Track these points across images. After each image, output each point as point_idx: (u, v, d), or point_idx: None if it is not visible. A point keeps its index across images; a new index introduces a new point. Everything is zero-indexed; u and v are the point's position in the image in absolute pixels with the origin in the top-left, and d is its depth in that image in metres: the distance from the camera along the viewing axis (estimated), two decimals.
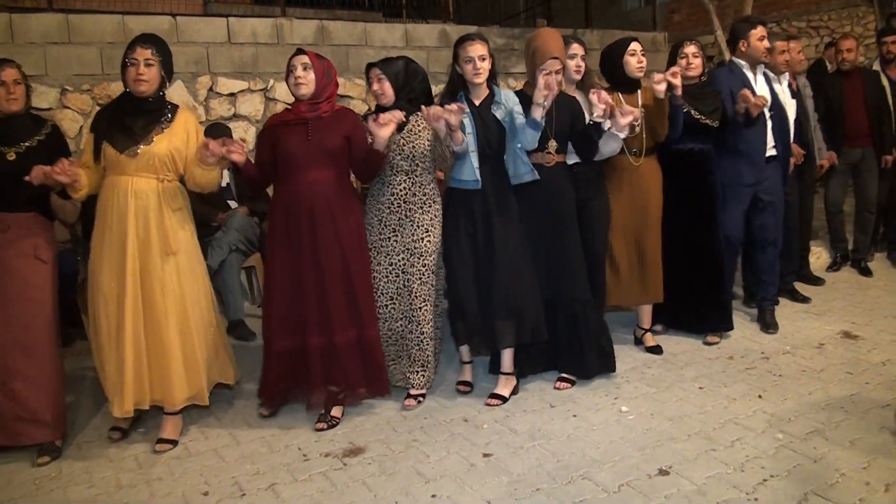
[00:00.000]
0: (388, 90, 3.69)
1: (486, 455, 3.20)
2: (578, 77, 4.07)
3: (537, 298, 3.74)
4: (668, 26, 11.92)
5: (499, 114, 3.68)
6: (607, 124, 3.69)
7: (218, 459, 3.30)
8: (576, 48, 4.03)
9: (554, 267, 3.83)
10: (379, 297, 3.73)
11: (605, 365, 3.96)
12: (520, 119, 3.64)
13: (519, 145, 3.65)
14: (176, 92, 6.15)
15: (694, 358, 4.25)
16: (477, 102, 3.72)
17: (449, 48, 7.41)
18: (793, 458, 3.05)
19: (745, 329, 4.72)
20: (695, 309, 4.48)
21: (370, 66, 3.75)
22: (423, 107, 3.58)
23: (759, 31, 4.49)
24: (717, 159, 4.42)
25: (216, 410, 3.79)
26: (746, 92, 4.25)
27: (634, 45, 4.15)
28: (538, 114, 3.55)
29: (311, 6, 8.56)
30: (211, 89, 6.32)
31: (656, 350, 4.36)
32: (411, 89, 3.75)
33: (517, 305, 3.67)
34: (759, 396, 3.67)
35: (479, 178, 3.64)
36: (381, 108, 3.71)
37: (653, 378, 3.98)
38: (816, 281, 5.62)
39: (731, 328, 4.52)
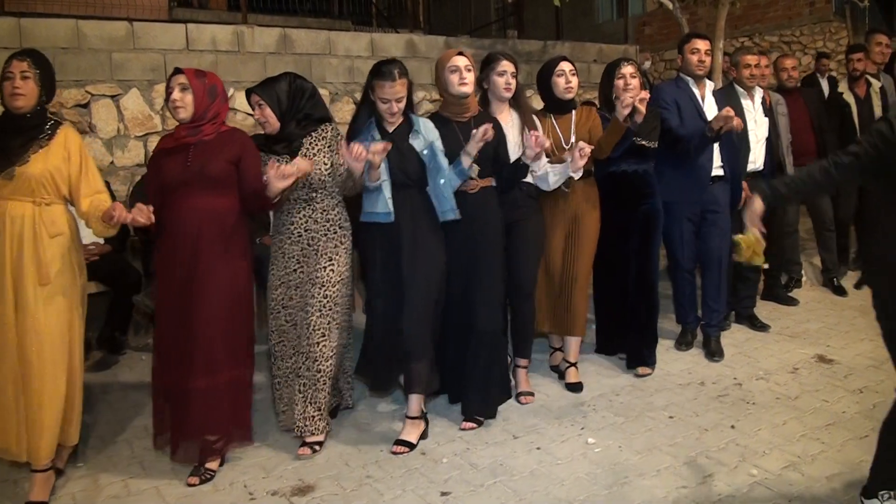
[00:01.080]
0: (270, 117, 3.38)
1: (443, 494, 3.01)
2: (508, 95, 3.78)
3: (432, 343, 3.54)
4: (640, 39, 11.83)
5: (417, 144, 3.46)
6: (539, 165, 3.54)
7: (159, 499, 3.08)
8: (505, 65, 3.75)
9: (474, 297, 3.59)
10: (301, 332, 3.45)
11: (494, 408, 3.72)
12: (441, 157, 3.44)
13: (442, 181, 3.45)
14: (131, 100, 5.93)
15: (664, 384, 4.07)
16: (390, 129, 3.47)
17: (417, 58, 7.30)
18: (767, 496, 2.89)
19: None
20: (629, 339, 4.26)
21: (249, 91, 3.45)
22: (343, 145, 3.32)
23: (691, 43, 4.37)
24: (660, 177, 4.22)
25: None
26: (729, 109, 4.05)
27: (562, 66, 3.93)
28: (467, 162, 3.38)
29: (277, 13, 8.40)
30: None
31: (577, 387, 4.02)
32: (298, 110, 3.43)
33: (426, 349, 3.46)
34: (732, 427, 3.51)
35: (393, 211, 3.41)
36: (268, 138, 3.45)
37: (621, 406, 3.80)
38: (789, 301, 5.48)
39: (655, 363, 4.27)
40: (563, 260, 3.97)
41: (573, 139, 3.92)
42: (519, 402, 3.88)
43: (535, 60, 7.85)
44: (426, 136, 3.46)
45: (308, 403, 3.41)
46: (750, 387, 3.99)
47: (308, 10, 9.19)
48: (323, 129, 3.47)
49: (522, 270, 3.84)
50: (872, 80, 5.83)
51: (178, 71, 3.24)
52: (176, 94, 3.18)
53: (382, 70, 3.38)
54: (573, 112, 4.00)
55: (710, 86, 4.47)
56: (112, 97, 5.86)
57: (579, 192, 3.96)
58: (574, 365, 4.12)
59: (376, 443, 3.49)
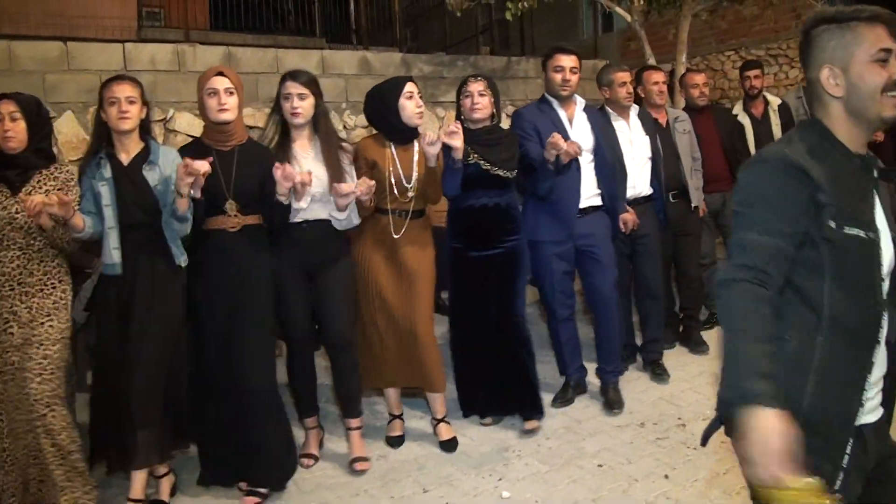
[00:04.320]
0: (22, 132, 2.89)
1: None
2: (297, 120, 3.25)
3: (181, 402, 3.06)
4: (625, 54, 11.52)
5: (151, 177, 2.97)
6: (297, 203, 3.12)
7: None
8: (289, 87, 3.24)
9: (239, 353, 3.05)
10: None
11: (277, 477, 3.19)
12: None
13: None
14: (66, 123, 5.66)
15: (601, 426, 3.74)
16: (125, 160, 2.98)
17: (371, 75, 7.00)
18: None
19: (665, 388, 4.21)
20: (502, 392, 3.73)
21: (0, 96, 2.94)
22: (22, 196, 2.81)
23: (554, 59, 3.84)
24: (525, 213, 3.81)
25: None
26: (557, 136, 3.48)
27: (409, 86, 3.41)
28: (182, 206, 2.86)
29: (263, 33, 8.20)
30: None
31: (451, 445, 3.55)
32: (42, 138, 2.97)
33: (157, 414, 2.93)
34: (666, 476, 3.19)
35: (119, 262, 2.92)
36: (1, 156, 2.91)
37: (548, 453, 3.47)
38: (699, 347, 4.78)
39: (542, 415, 3.76)
40: (401, 309, 3.45)
41: (415, 174, 3.44)
42: (353, 468, 3.38)
43: (499, 77, 7.59)
44: (163, 169, 2.99)
45: (28, 493, 2.91)
46: (694, 428, 3.65)
47: (289, 29, 9.01)
48: (56, 169, 2.99)
49: (335, 319, 3.35)
50: (771, 97, 5.38)
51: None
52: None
53: (110, 78, 3.02)
54: (416, 142, 3.48)
55: (580, 104, 3.94)
56: None
57: (407, 233, 3.47)
58: (444, 420, 3.64)
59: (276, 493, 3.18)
